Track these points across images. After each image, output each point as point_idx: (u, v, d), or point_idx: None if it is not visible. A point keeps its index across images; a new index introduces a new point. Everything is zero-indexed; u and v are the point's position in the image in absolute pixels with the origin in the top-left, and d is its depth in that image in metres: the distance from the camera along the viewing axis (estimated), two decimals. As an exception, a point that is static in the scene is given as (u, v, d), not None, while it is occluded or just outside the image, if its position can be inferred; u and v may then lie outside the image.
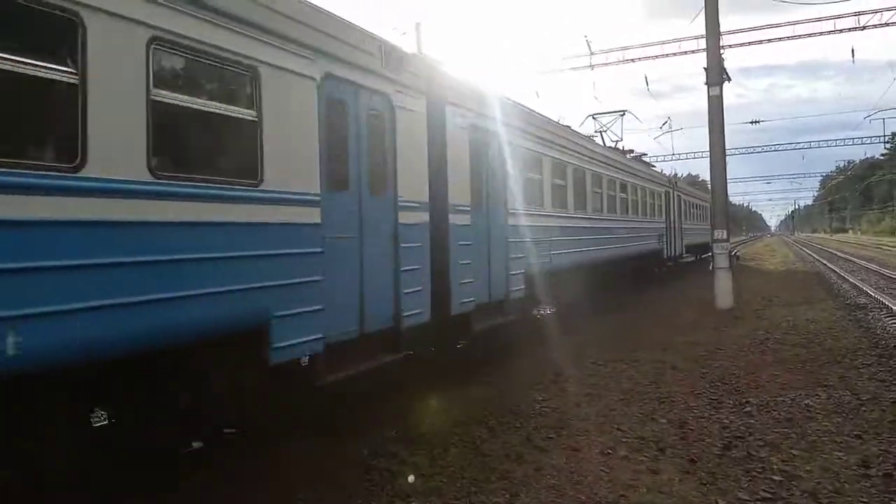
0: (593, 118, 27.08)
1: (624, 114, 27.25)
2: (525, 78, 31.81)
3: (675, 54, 32.50)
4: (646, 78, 37.98)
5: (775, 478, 5.67)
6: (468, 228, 9.60)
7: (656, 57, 32.68)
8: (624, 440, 6.75)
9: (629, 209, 20.45)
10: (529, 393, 8.70)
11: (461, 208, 9.44)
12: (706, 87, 17.51)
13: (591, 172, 16.34)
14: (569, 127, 18.41)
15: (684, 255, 31.25)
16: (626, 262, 20.26)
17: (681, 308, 17.21)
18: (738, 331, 13.45)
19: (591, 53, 31.24)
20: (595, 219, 16.27)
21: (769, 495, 5.32)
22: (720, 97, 17.39)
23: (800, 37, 31.37)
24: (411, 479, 5.88)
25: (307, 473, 6.07)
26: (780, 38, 31.55)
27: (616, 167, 19.15)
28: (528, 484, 5.66)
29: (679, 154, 60.39)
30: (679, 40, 32.37)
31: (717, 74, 17.27)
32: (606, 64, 32.40)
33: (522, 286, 11.35)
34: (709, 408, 7.94)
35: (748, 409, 7.81)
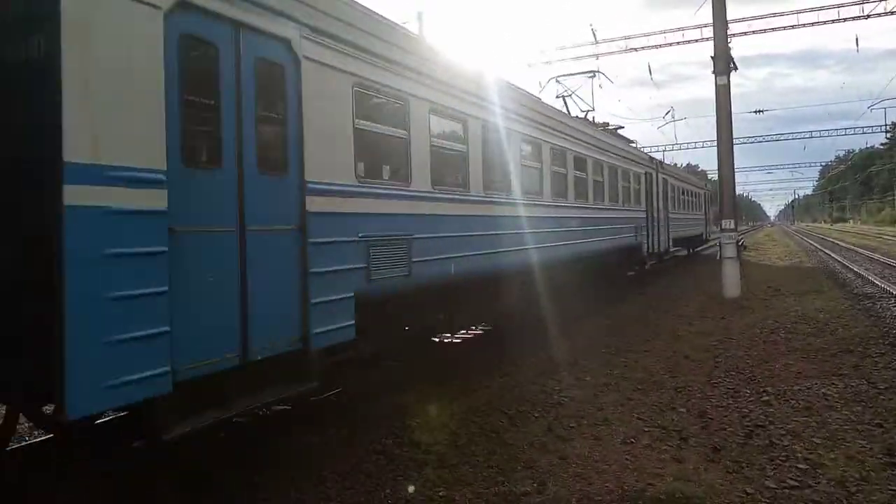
0: (557, 81, 23.07)
1: (594, 75, 24.35)
2: (526, 69, 31.39)
3: (678, 43, 32.41)
4: (649, 66, 37.77)
5: (800, 466, 5.69)
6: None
7: (659, 46, 32.60)
8: (645, 429, 6.77)
9: (589, 193, 15.29)
10: (546, 383, 8.72)
11: None
12: (713, 76, 17.46)
13: (521, 136, 11.45)
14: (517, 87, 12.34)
15: (671, 251, 27.17)
16: (580, 265, 14.71)
17: (689, 298, 17.21)
18: (747, 320, 13.46)
19: (596, 42, 31.12)
20: (525, 204, 11.05)
21: (796, 483, 5.35)
22: (727, 86, 17.35)
23: (803, 25, 31.27)
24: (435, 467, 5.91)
25: (332, 463, 6.09)
26: (783, 27, 31.44)
27: (565, 135, 13.71)
28: (554, 473, 5.68)
29: (682, 144, 60.01)
30: (682, 29, 32.28)
31: (724, 63, 17.22)
32: (609, 53, 32.30)
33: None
34: (726, 397, 7.96)
35: (766, 398, 7.83)
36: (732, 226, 17.23)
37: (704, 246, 39.12)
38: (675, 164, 36.47)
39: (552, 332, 11.68)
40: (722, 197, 17.98)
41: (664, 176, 24.82)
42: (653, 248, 22.04)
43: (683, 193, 29.69)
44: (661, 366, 9.53)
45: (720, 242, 17.48)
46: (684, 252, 34.34)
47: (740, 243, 17.56)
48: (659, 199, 23.23)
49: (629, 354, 10.40)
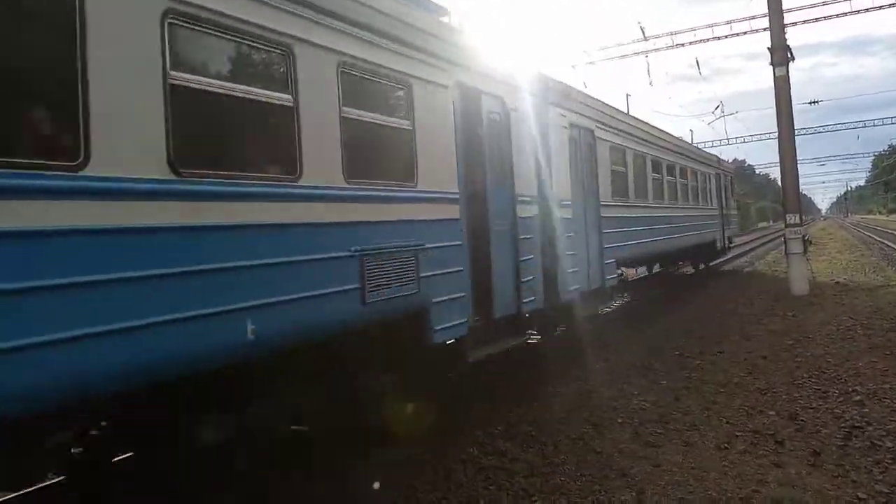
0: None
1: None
2: (571, 71, 31.09)
3: (726, 37, 31.72)
4: (697, 61, 36.99)
5: (911, 468, 5.46)
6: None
7: (707, 40, 31.94)
8: (737, 434, 6.58)
9: None
10: (622, 387, 8.56)
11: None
12: (771, 67, 17.04)
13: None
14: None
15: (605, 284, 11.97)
16: None
17: (754, 296, 16.77)
18: (819, 317, 13.04)
19: (645, 39, 30.68)
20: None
21: (910, 487, 5.12)
22: (787, 77, 16.91)
23: (857, 12, 30.30)
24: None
25: (422, 473, 6.05)
26: (836, 15, 30.52)
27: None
28: (651, 481, 5.55)
29: (734, 139, 58.67)
30: (731, 22, 31.60)
31: (782, 54, 16.79)
32: (656, 49, 31.80)
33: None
34: (815, 398, 7.70)
35: (857, 397, 7.55)
36: (797, 220, 16.75)
37: (721, 259, 26.30)
38: (728, 160, 32.33)
39: (613, 336, 11.54)
40: (785, 191, 17.52)
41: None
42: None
43: (663, 171, 16.28)
44: (739, 367, 9.27)
45: (785, 237, 17.00)
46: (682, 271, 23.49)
47: (806, 238, 17.04)
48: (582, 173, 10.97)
49: (703, 356, 10.15)
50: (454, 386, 7.84)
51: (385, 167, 6.11)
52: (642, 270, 20.74)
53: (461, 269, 6.93)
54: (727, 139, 56.80)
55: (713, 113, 46.63)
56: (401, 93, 6.31)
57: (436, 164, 6.66)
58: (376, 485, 5.77)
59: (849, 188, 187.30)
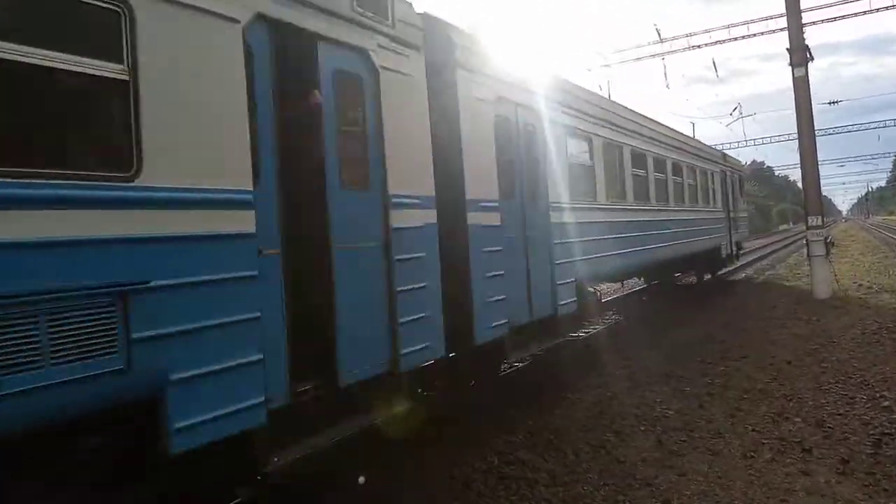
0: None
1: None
2: (587, 74, 30.91)
3: (743, 38, 31.46)
4: (714, 62, 36.69)
5: (945, 478, 5.32)
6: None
7: (723, 41, 31.71)
8: (763, 441, 6.45)
9: None
10: (644, 394, 8.45)
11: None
12: (790, 68, 16.86)
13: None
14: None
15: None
16: None
17: (777, 300, 16.54)
18: (844, 321, 12.82)
19: (661, 41, 30.52)
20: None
21: (945, 497, 4.99)
22: (806, 77, 16.71)
23: (876, 10, 29.95)
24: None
25: (442, 482, 6.00)
26: (854, 14, 30.17)
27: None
28: (677, 490, 5.46)
29: (752, 140, 58.22)
30: (748, 23, 31.35)
31: (801, 54, 16.60)
32: (672, 51, 31.61)
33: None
34: (842, 404, 7.55)
35: (885, 403, 7.40)
36: (819, 222, 16.52)
37: (728, 269, 23.46)
38: (742, 163, 31.12)
39: (633, 342, 11.41)
40: (806, 192, 17.29)
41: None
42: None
43: (648, 166, 13.62)
44: (764, 373, 9.12)
45: (807, 240, 16.77)
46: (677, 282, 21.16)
47: (828, 240, 16.78)
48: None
49: (726, 362, 10.00)
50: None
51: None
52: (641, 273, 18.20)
53: (254, 315, 4.35)
54: (745, 141, 56.36)
55: (731, 115, 46.31)
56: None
57: (194, 139, 4.14)
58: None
59: (869, 189, 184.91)
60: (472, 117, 7.15)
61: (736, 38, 31.69)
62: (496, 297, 7.26)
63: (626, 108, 13.53)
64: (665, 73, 36.80)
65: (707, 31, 32.71)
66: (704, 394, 8.29)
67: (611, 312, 15.77)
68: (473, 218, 6.99)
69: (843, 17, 30.62)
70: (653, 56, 31.89)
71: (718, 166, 20.43)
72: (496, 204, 7.48)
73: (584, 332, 12.29)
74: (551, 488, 5.73)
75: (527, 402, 8.34)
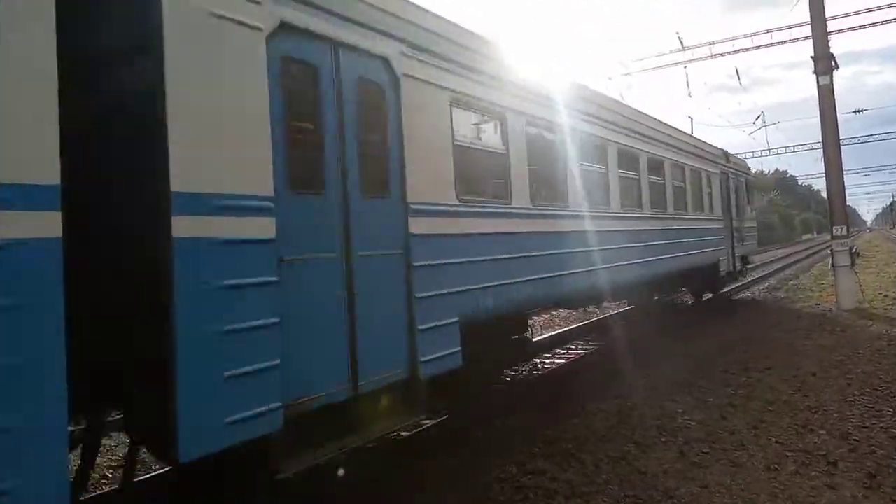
0: None
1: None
2: (608, 83, 30.64)
3: (766, 46, 31.17)
4: (737, 71, 36.35)
5: (976, 494, 5.19)
6: None
7: (746, 50, 31.43)
8: (787, 454, 6.35)
9: None
10: (665, 405, 8.35)
11: None
12: (815, 76, 16.69)
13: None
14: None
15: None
16: None
17: (801, 311, 16.32)
18: (870, 332, 12.63)
19: (683, 49, 30.31)
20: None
21: (976, 514, 4.87)
22: (831, 86, 16.54)
23: (905, 18, 29.50)
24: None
25: (460, 492, 5.95)
26: (881, 22, 29.77)
27: None
28: (699, 503, 5.37)
29: (775, 149, 57.65)
30: (770, 31, 31.03)
31: (826, 63, 16.43)
32: (694, 60, 31.39)
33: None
34: (868, 417, 7.42)
35: (913, 416, 7.26)
36: (844, 232, 16.30)
37: (731, 287, 21.21)
38: (763, 172, 30.47)
39: (656, 352, 11.28)
40: (831, 202, 17.07)
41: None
42: None
43: (610, 161, 10.75)
44: (788, 385, 8.98)
45: (832, 250, 16.54)
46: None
47: (853, 250, 16.54)
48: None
49: (749, 373, 9.84)
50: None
51: None
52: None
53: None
54: (768, 149, 55.77)
55: (754, 123, 45.84)
56: None
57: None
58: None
59: (894, 198, 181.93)
60: (243, 65, 4.48)
61: (759, 47, 31.40)
62: (250, 368, 4.26)
63: (589, 87, 11.15)
64: (687, 82, 36.41)
65: (730, 40, 32.48)
66: (726, 404, 8.17)
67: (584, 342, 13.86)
68: (188, 227, 3.99)
69: (868, 25, 30.25)
70: (674, 64, 31.66)
71: (718, 167, 17.57)
72: (269, 205, 4.52)
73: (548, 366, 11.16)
74: (571, 500, 5.67)
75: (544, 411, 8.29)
